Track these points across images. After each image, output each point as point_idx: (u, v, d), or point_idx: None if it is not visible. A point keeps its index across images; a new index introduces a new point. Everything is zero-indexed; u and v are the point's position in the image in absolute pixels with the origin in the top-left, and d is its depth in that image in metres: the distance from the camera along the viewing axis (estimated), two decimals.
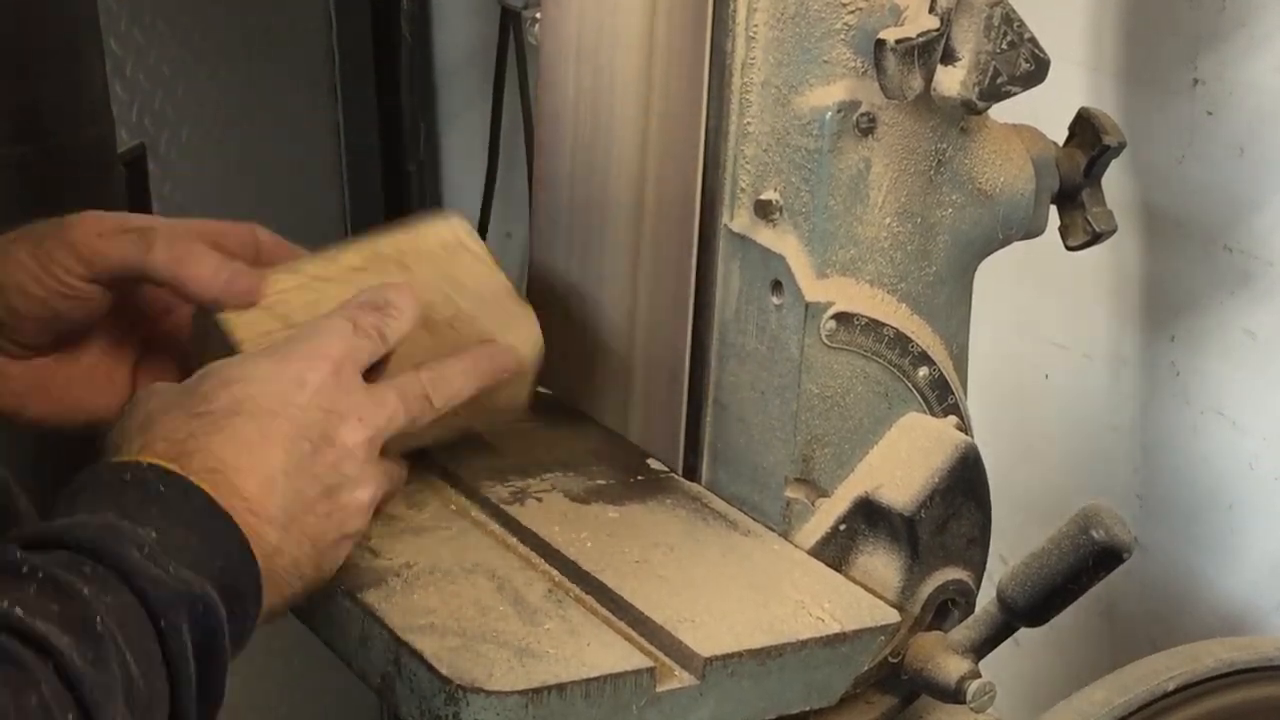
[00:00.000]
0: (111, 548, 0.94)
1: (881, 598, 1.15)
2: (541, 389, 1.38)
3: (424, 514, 1.19)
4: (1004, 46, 1.12)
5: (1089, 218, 1.25)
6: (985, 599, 1.15)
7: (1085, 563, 1.06)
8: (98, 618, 0.89)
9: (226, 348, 1.17)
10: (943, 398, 1.20)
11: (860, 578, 1.17)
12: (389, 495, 1.16)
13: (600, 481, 1.24)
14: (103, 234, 1.19)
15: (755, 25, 1.14)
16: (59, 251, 1.19)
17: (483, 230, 2.41)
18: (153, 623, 0.93)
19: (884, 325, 1.17)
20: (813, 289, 1.15)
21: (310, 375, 1.09)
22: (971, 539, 1.18)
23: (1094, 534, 1.06)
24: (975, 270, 1.24)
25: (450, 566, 1.12)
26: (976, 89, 1.12)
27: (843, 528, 1.17)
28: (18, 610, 0.87)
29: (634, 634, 1.07)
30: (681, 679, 1.04)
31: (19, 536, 0.95)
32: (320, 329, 1.14)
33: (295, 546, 1.06)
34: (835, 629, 1.09)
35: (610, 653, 1.04)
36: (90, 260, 1.18)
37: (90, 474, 1.02)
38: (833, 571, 1.16)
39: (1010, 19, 1.12)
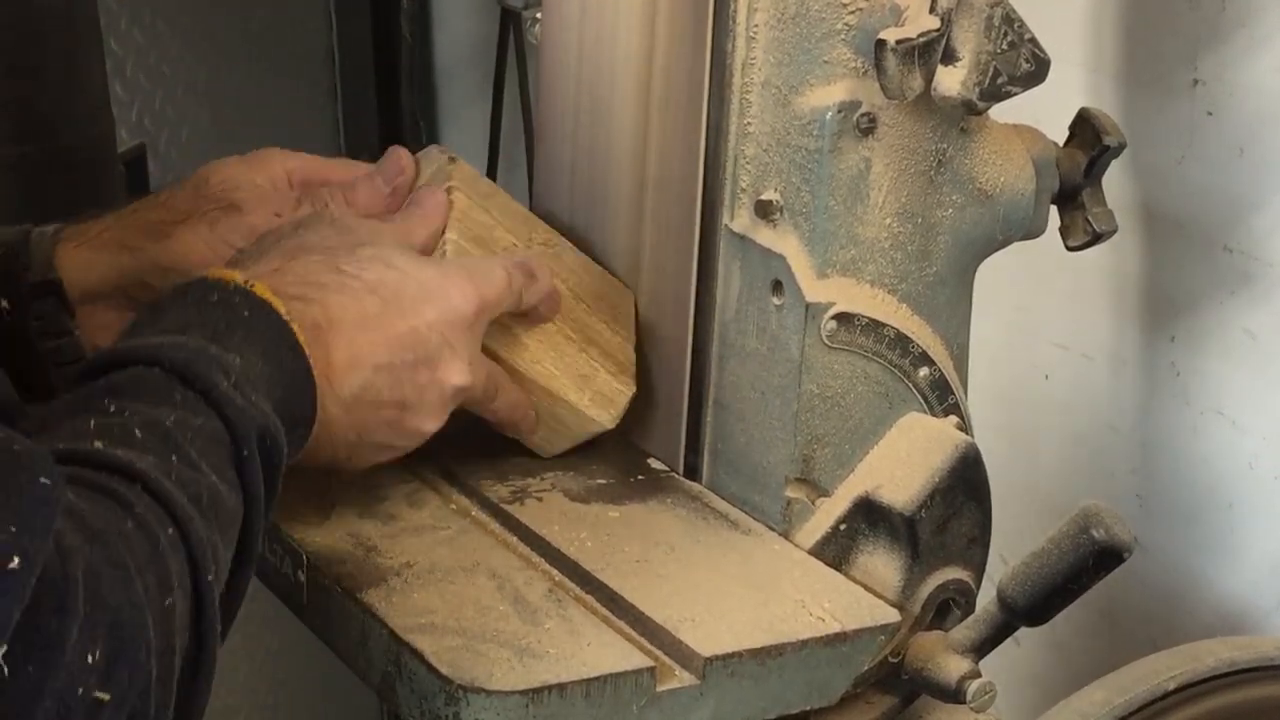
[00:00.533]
0: (203, 374, 0.96)
1: (882, 597, 1.15)
2: None
3: (424, 514, 1.19)
4: (1004, 47, 1.12)
5: (1089, 218, 1.25)
6: (985, 599, 1.15)
7: (1085, 563, 1.06)
8: (180, 442, 0.92)
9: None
10: (943, 398, 1.20)
11: (860, 577, 1.17)
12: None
13: (600, 481, 1.24)
14: (280, 212, 1.21)
15: (756, 25, 1.14)
16: (234, 235, 1.20)
17: None
18: (235, 447, 0.96)
19: (884, 325, 1.17)
20: (813, 289, 1.15)
21: (457, 301, 1.12)
22: (971, 539, 1.18)
23: (1094, 534, 1.06)
24: (975, 270, 1.24)
25: (450, 566, 1.12)
26: (977, 89, 1.12)
27: (843, 527, 1.17)
28: (99, 444, 0.89)
29: (634, 634, 1.07)
30: (681, 679, 1.04)
31: (112, 353, 0.97)
32: (483, 268, 1.16)
33: (345, 430, 1.09)
34: (835, 629, 1.09)
35: (610, 652, 1.04)
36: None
37: (179, 290, 1.04)
38: (833, 571, 1.16)
39: (1010, 19, 1.12)
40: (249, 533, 0.96)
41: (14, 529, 0.75)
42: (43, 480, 0.78)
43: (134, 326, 1.02)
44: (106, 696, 0.80)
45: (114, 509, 0.86)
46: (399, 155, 1.26)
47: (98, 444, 0.89)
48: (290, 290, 1.06)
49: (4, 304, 1.20)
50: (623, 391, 1.25)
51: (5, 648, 0.74)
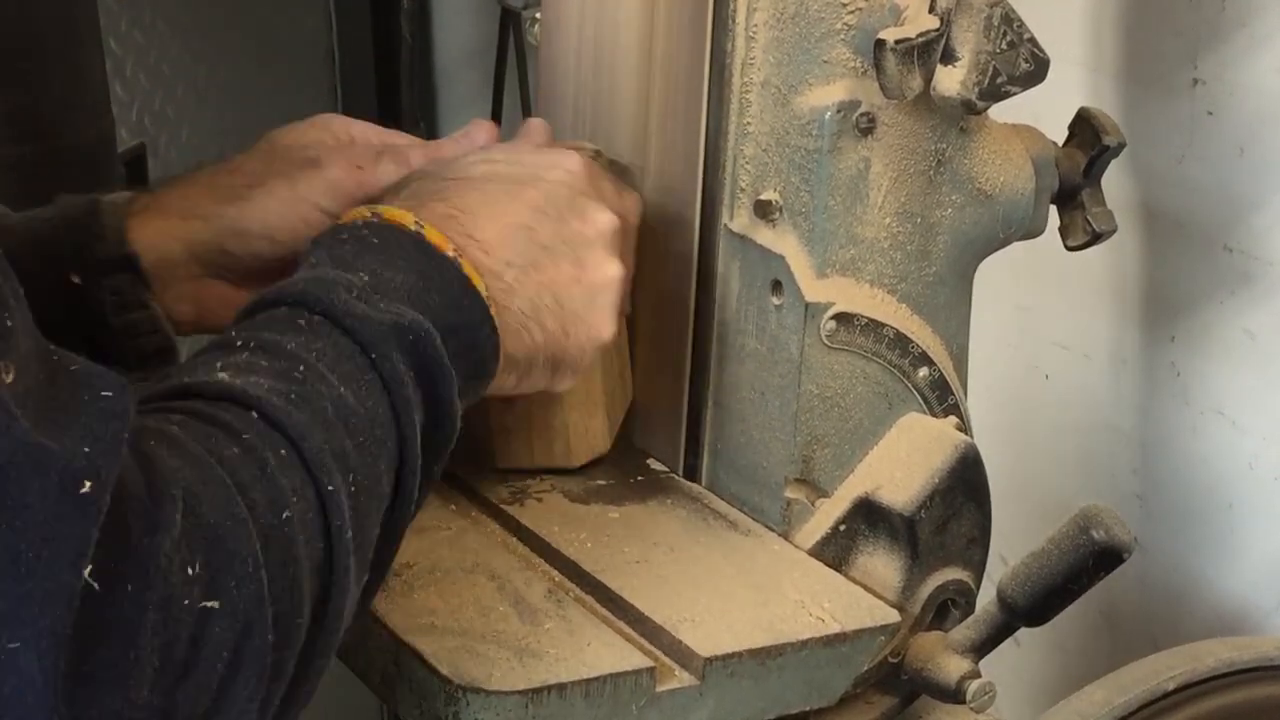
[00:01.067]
0: (319, 295, 0.97)
1: (881, 598, 1.15)
2: None
3: (424, 514, 1.19)
4: (1004, 46, 1.12)
5: (1089, 218, 1.25)
6: (985, 599, 1.15)
7: (1085, 563, 1.06)
8: (305, 361, 0.93)
9: None
10: (943, 398, 1.20)
11: (860, 578, 1.17)
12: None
13: (600, 481, 1.24)
14: (362, 164, 1.20)
15: (755, 25, 1.14)
16: (314, 192, 1.19)
17: None
18: (365, 354, 0.96)
19: (884, 325, 1.17)
20: (813, 289, 1.15)
21: (568, 162, 1.14)
22: (971, 539, 1.18)
23: (1094, 534, 1.06)
24: (975, 270, 1.24)
25: (450, 566, 1.12)
26: (976, 89, 1.12)
27: (843, 528, 1.17)
28: (223, 375, 0.91)
29: (634, 634, 1.07)
30: (681, 679, 1.04)
31: (242, 309, 0.99)
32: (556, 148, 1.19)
33: (535, 293, 1.08)
34: (835, 629, 1.09)
35: (610, 653, 1.04)
36: (354, 195, 1.18)
37: (311, 241, 1.05)
38: (833, 571, 1.16)
39: (1010, 19, 1.12)
40: (404, 434, 0.96)
41: (87, 450, 0.76)
42: (105, 394, 0.79)
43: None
44: (216, 604, 0.81)
45: (219, 435, 0.87)
46: (483, 126, 1.26)
47: (221, 375, 0.91)
48: (409, 204, 1.07)
49: (74, 279, 1.19)
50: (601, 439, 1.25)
51: (91, 566, 0.75)
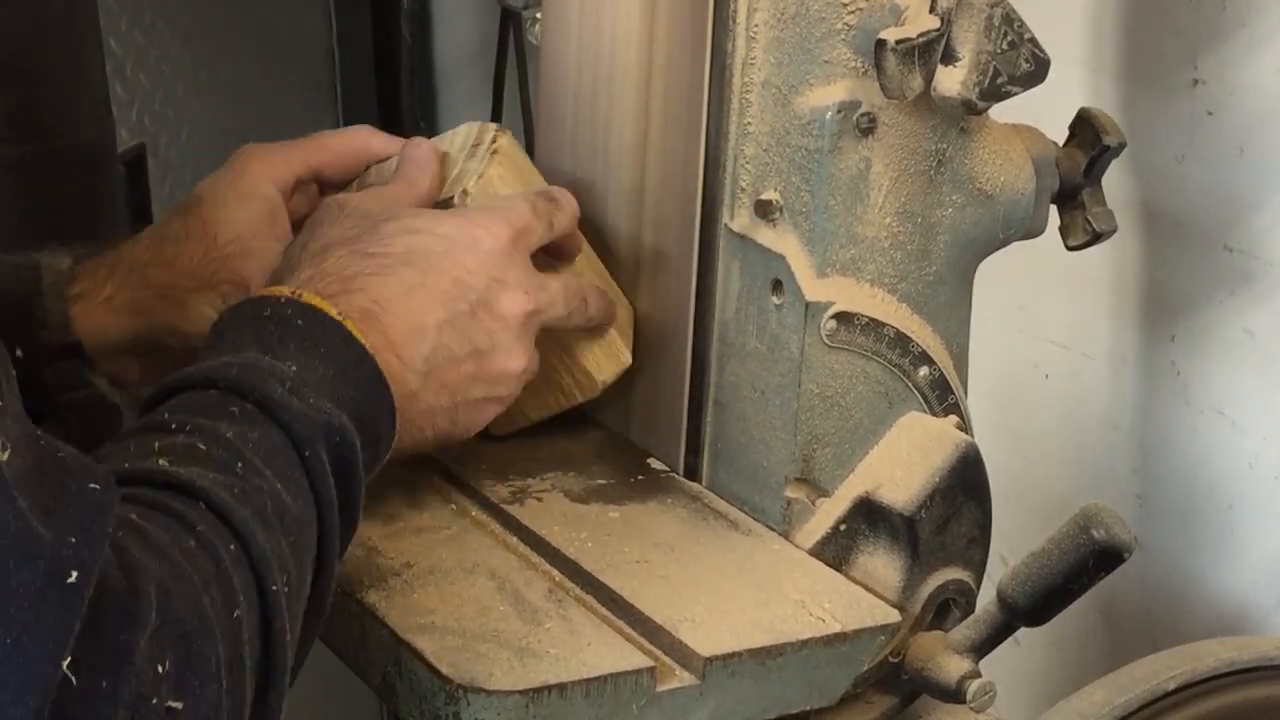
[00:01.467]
0: (253, 384, 0.98)
1: (882, 597, 1.15)
2: None
3: (424, 514, 1.19)
4: (1004, 46, 1.12)
5: (1089, 218, 1.25)
6: (985, 599, 1.15)
7: (1085, 563, 1.06)
8: (243, 454, 0.94)
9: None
10: (943, 397, 1.20)
11: (860, 578, 1.17)
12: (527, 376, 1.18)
13: (600, 481, 1.24)
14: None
15: (755, 25, 1.14)
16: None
17: None
18: (297, 451, 0.97)
19: (884, 325, 1.17)
20: (813, 289, 1.15)
21: (487, 240, 1.14)
22: (971, 539, 1.18)
23: (1094, 534, 1.06)
24: (975, 270, 1.24)
25: (450, 566, 1.12)
26: (977, 89, 1.12)
27: (843, 528, 1.17)
28: (163, 462, 0.91)
29: (634, 634, 1.07)
30: (681, 679, 1.04)
31: (172, 381, 1.00)
32: (502, 203, 1.19)
33: (433, 396, 1.11)
34: (835, 629, 1.09)
35: (610, 653, 1.04)
36: None
37: (233, 312, 1.06)
38: (833, 571, 1.16)
39: (1010, 19, 1.12)
40: (325, 535, 0.97)
41: (74, 540, 0.76)
42: (92, 486, 0.79)
43: (196, 355, 1.04)
44: (180, 705, 0.81)
45: (176, 527, 0.87)
46: (420, 153, 1.25)
47: (161, 462, 0.91)
48: (331, 290, 1.08)
49: (18, 353, 1.20)
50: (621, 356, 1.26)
51: (69, 658, 0.75)
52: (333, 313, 1.05)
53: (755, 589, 1.12)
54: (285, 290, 1.07)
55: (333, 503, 0.98)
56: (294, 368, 1.01)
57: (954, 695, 1.14)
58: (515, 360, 1.15)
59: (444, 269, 1.12)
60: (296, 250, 1.15)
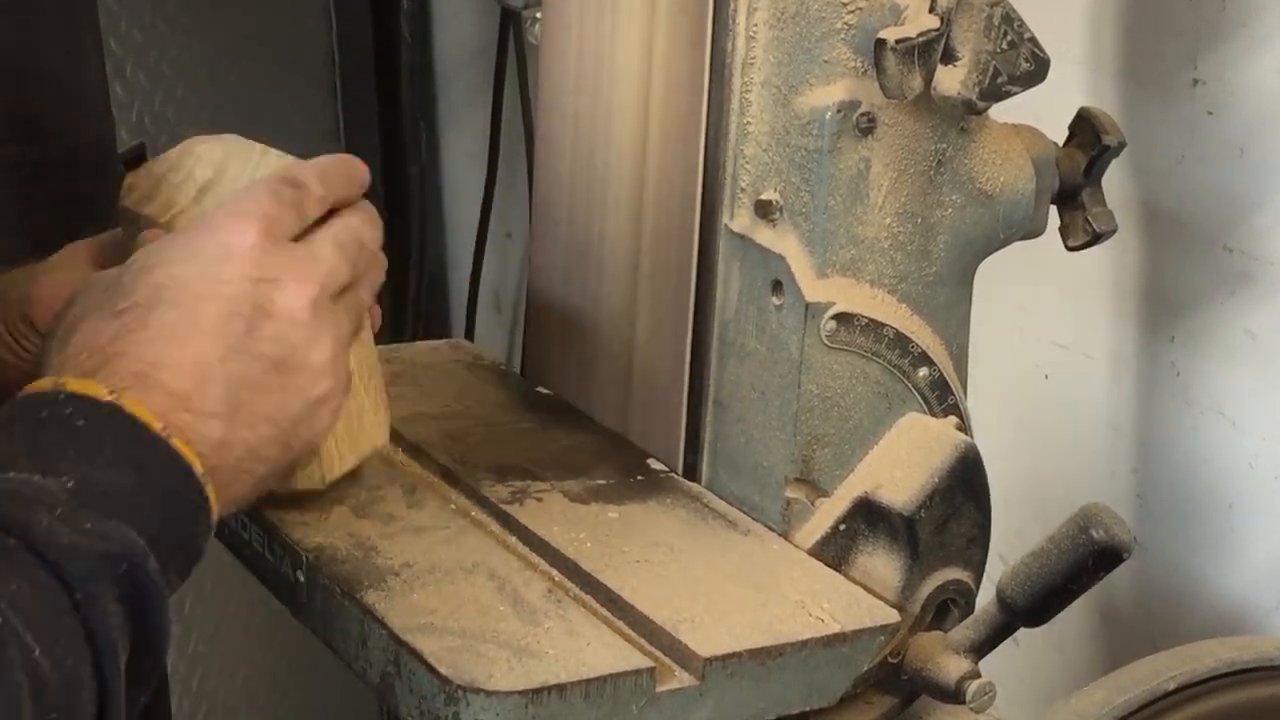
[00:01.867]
0: (16, 516, 0.85)
1: (881, 598, 1.15)
2: (542, 389, 1.38)
3: (424, 514, 1.19)
4: (1004, 46, 1.12)
5: (1089, 218, 1.25)
6: (985, 599, 1.15)
7: (1085, 563, 1.06)
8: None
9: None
10: (943, 398, 1.20)
11: (860, 578, 1.17)
12: (357, 332, 1.08)
13: (600, 481, 1.24)
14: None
15: (755, 25, 1.14)
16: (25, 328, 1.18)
17: (483, 230, 2.41)
18: (69, 595, 0.85)
19: (884, 325, 1.17)
20: (813, 289, 1.15)
21: (236, 242, 1.01)
22: (971, 539, 1.18)
23: (1094, 534, 1.06)
24: (975, 270, 1.24)
25: (450, 566, 1.12)
26: (976, 89, 1.12)
27: (843, 528, 1.17)
28: None
29: (634, 634, 1.07)
30: (681, 679, 1.04)
31: None
32: (239, 196, 1.05)
33: (249, 432, 0.99)
34: (835, 629, 1.09)
35: (610, 653, 1.04)
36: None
37: (5, 414, 0.94)
38: (833, 571, 1.16)
39: (1010, 19, 1.12)
40: (105, 685, 0.86)
41: None
42: None
43: None
44: None
45: None
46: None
47: None
48: (91, 365, 0.96)
49: None
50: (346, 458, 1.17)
51: None
52: (102, 393, 0.93)
53: (755, 589, 1.12)
54: (46, 384, 0.94)
55: (115, 647, 0.86)
56: (70, 483, 0.88)
57: (954, 695, 1.14)
58: (320, 349, 1.02)
59: (203, 293, 0.99)
60: (49, 342, 1.02)
